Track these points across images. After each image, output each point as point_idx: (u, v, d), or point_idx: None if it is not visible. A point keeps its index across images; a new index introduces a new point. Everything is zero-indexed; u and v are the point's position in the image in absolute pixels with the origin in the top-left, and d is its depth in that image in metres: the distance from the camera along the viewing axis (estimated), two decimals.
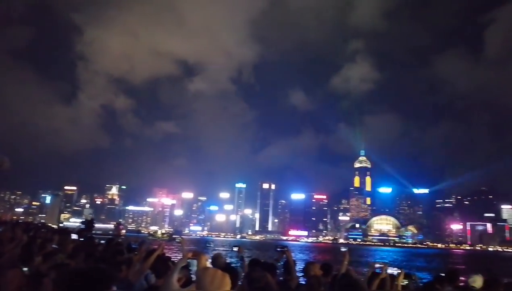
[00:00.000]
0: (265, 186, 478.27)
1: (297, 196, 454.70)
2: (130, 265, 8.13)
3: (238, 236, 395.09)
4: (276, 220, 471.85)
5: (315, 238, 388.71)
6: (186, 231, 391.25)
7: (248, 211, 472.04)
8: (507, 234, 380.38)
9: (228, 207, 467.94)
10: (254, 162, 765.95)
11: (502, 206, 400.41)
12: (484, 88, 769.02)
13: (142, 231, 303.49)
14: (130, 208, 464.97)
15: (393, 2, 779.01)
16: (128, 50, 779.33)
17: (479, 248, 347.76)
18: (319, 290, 6.53)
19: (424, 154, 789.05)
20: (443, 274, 8.95)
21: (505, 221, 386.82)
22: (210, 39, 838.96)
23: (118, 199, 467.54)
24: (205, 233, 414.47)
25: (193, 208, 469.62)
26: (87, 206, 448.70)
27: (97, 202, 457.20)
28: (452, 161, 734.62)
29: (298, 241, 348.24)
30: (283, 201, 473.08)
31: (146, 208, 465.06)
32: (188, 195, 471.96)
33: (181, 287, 4.39)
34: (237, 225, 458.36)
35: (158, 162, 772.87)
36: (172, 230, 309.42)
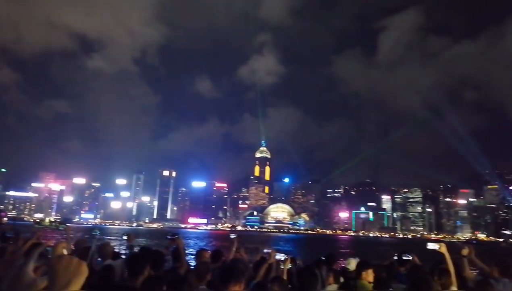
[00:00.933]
0: (166, 173, 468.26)
1: (198, 184, 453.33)
2: (2, 256, 7.33)
3: (134, 224, 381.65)
4: (175, 208, 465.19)
5: (214, 226, 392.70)
6: (77, 219, 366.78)
7: (146, 198, 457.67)
8: (385, 222, 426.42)
9: (125, 194, 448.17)
10: (155, 148, 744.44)
11: (382, 196, 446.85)
12: (374, 90, 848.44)
13: (25, 219, 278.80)
14: (11, 193, 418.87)
15: (299, 1, 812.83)
16: (15, 17, 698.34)
17: (361, 234, 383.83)
18: (206, 275, 6.69)
19: (319, 147, 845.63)
20: (323, 258, 9.80)
21: (384, 210, 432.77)
22: (113, 14, 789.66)
23: None
24: (98, 221, 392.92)
25: (86, 195, 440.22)
26: None
27: None
28: (343, 154, 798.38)
29: (197, 228, 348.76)
30: (184, 189, 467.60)
31: (30, 194, 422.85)
32: (80, 180, 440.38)
33: (41, 276, 4.11)
34: (134, 212, 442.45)
35: (46, 144, 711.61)
36: (60, 217, 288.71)
